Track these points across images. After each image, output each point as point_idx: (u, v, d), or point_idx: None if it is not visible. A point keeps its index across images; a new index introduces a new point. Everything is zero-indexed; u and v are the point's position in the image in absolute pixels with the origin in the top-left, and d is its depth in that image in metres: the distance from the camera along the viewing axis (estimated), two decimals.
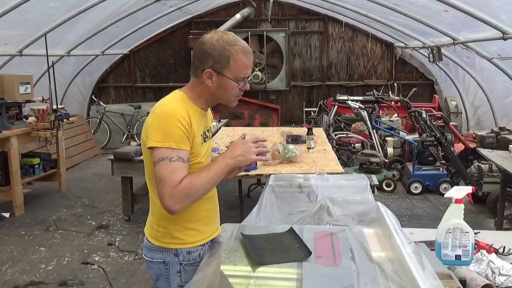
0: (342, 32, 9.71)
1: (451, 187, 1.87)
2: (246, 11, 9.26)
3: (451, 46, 6.47)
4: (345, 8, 8.09)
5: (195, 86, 1.72)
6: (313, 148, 4.38)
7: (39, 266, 3.93)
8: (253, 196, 5.16)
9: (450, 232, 1.73)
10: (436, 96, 8.77)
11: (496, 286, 1.55)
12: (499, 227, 4.29)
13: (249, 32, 9.00)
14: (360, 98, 7.52)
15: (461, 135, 6.83)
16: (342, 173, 3.55)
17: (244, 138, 1.80)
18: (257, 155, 1.72)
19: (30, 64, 6.49)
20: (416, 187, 5.81)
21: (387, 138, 6.86)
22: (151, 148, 1.60)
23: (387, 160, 6.49)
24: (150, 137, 1.59)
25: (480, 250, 1.75)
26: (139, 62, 10.07)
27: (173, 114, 1.58)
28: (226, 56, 1.62)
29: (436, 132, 5.90)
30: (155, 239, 1.74)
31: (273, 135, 5.38)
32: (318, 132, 5.48)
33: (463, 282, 1.52)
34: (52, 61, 5.73)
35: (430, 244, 1.79)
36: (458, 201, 1.72)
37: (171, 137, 1.56)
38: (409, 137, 6.36)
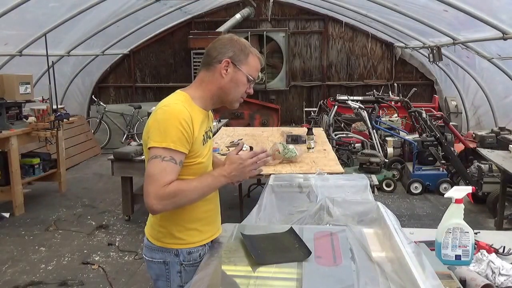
0: (342, 32, 9.71)
1: (451, 187, 1.87)
2: (246, 11, 9.26)
3: (451, 46, 6.47)
4: (345, 8, 8.10)
5: (203, 81, 1.73)
6: (313, 148, 4.38)
7: (39, 266, 3.93)
8: (253, 196, 5.16)
9: (450, 232, 1.73)
10: (436, 96, 8.77)
11: (496, 286, 1.56)
12: (499, 227, 4.29)
13: (249, 32, 9.00)
14: (360, 98, 7.52)
15: (461, 135, 6.83)
16: (342, 173, 3.55)
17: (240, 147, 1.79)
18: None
19: (30, 64, 6.48)
20: (416, 187, 5.80)
21: (387, 138, 6.86)
22: (150, 148, 1.60)
23: (387, 160, 6.49)
24: (151, 137, 1.60)
25: (480, 250, 1.75)
26: (139, 62, 10.07)
27: (175, 115, 1.58)
28: (246, 53, 1.71)
29: (436, 132, 5.89)
30: (156, 239, 1.74)
31: (273, 135, 5.38)
32: (318, 132, 5.48)
33: (463, 282, 1.52)
34: (52, 61, 5.73)
35: (430, 244, 1.79)
36: (458, 201, 1.72)
37: (170, 138, 1.56)
38: (409, 137, 6.36)
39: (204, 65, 1.73)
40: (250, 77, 1.72)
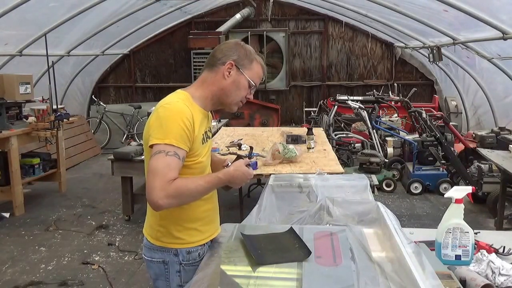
0: (342, 32, 9.71)
1: (451, 187, 1.87)
2: (246, 11, 9.26)
3: (451, 46, 6.46)
4: (345, 8, 8.09)
5: (205, 81, 1.74)
6: (313, 148, 4.38)
7: (39, 266, 3.93)
8: (253, 196, 5.16)
9: (450, 232, 1.73)
10: (436, 96, 8.77)
11: (496, 286, 1.56)
12: (499, 227, 4.29)
13: (249, 32, 9.00)
14: (360, 98, 7.52)
15: (461, 135, 6.82)
16: (342, 173, 3.55)
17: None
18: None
19: (30, 64, 6.48)
20: (416, 187, 5.80)
21: (387, 138, 6.86)
22: (152, 146, 1.60)
23: (387, 160, 6.49)
24: (152, 135, 1.60)
25: (480, 250, 1.75)
26: (139, 62, 10.07)
27: (177, 113, 1.59)
28: (250, 58, 1.74)
29: (436, 132, 5.89)
30: (156, 239, 1.74)
31: (273, 135, 5.37)
32: (318, 132, 5.47)
33: (463, 282, 1.52)
34: (52, 61, 5.74)
35: (430, 244, 1.79)
36: (458, 201, 1.72)
37: (172, 135, 1.57)
38: (409, 137, 6.36)
39: (208, 65, 1.76)
40: (252, 83, 1.75)
